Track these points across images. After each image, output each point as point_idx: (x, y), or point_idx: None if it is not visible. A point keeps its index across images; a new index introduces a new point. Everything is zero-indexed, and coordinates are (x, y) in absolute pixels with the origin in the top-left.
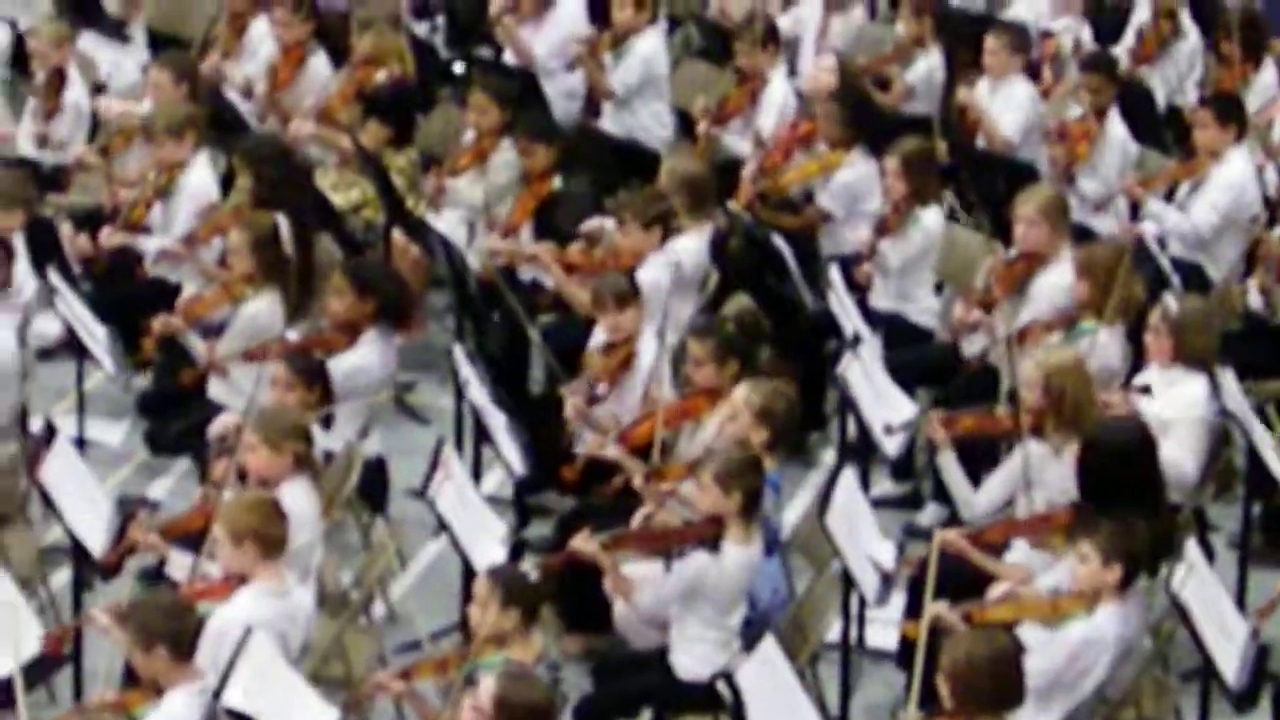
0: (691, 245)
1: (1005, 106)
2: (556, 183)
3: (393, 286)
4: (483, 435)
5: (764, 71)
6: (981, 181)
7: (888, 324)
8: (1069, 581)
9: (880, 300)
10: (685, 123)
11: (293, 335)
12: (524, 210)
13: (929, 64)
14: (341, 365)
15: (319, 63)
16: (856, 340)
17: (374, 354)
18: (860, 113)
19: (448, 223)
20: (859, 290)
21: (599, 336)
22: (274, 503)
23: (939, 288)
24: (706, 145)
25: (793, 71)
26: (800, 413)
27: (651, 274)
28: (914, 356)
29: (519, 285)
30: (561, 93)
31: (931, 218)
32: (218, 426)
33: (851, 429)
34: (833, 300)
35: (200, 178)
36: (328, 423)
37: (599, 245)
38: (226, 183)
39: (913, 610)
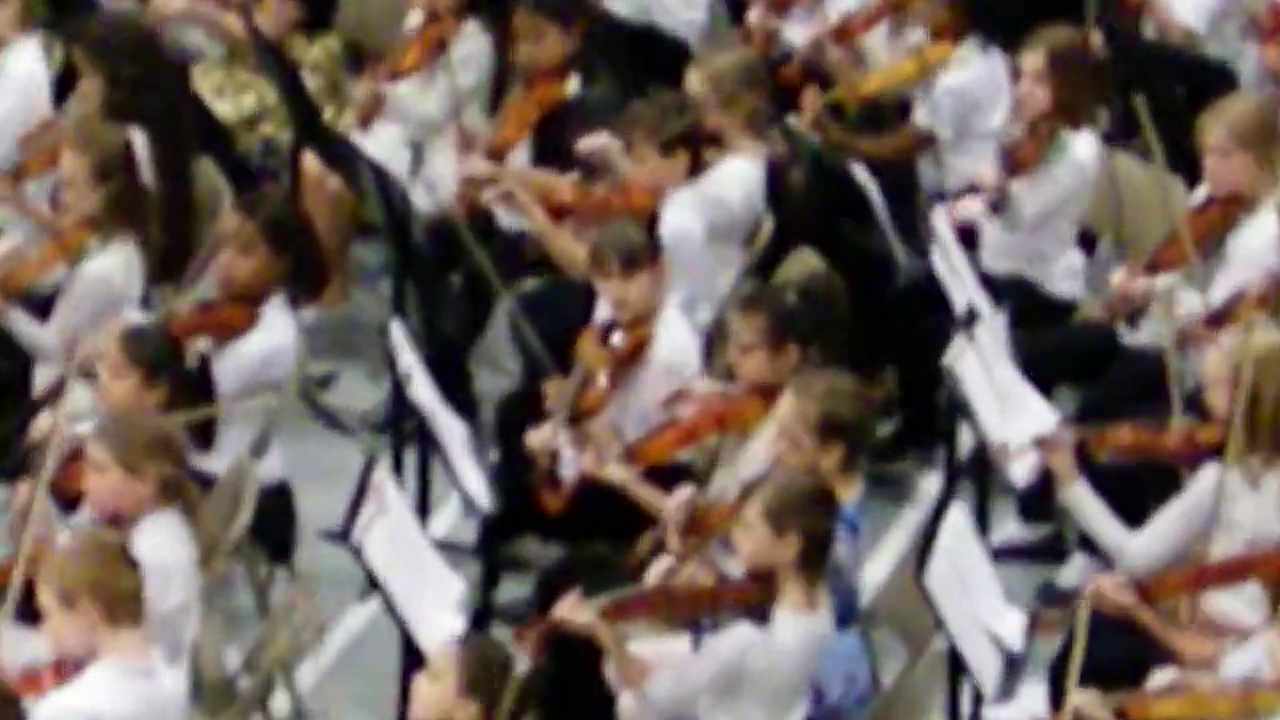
0: (736, 178)
1: None
2: (571, 86)
3: (302, 235)
4: (432, 452)
5: None
6: (1153, 91)
7: (1014, 294)
8: (1269, 664)
9: (1003, 259)
10: (740, 2)
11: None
12: (519, 122)
13: None
14: (245, 353)
15: None
16: (971, 317)
17: (287, 331)
18: None
19: (384, 144)
20: (972, 244)
21: (601, 312)
22: (119, 548)
23: (1086, 242)
24: (759, 36)
25: None
26: (883, 420)
27: (677, 219)
28: (1053, 342)
29: (492, 234)
30: None
31: (1084, 145)
32: (35, 433)
33: (964, 445)
34: (937, 259)
35: (24, 72)
36: (207, 434)
37: (601, 177)
38: (63, 85)
39: (1052, 702)
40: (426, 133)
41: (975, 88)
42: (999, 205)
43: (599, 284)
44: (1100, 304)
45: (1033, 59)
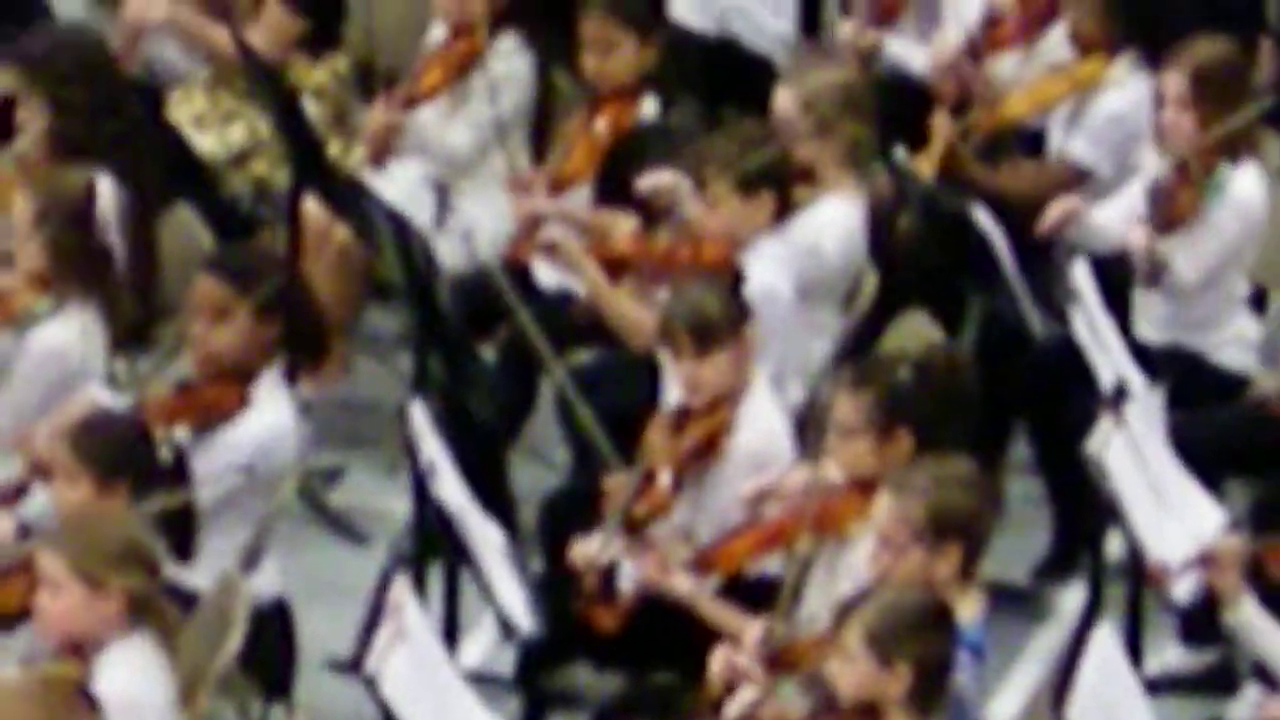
0: (831, 223)
1: None
2: (648, 107)
3: (299, 296)
4: (461, 563)
5: None
6: None
7: (1173, 367)
8: None
9: (1157, 327)
10: (816, 11)
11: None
12: (588, 151)
13: None
14: (233, 443)
15: None
16: (1120, 395)
17: (284, 415)
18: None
19: (403, 185)
20: (1121, 306)
21: (671, 394)
22: (74, 684)
23: (1257, 302)
24: (860, 52)
25: None
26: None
27: (762, 275)
28: (1220, 425)
29: (535, 296)
30: None
31: (1247, 182)
32: None
33: (1112, 552)
34: (1079, 324)
35: None
36: (186, 541)
37: (666, 222)
38: (4, 115)
39: None
40: (454, 171)
41: (1139, 113)
42: (1156, 275)
43: (669, 363)
44: (1276, 377)
45: (1175, 80)
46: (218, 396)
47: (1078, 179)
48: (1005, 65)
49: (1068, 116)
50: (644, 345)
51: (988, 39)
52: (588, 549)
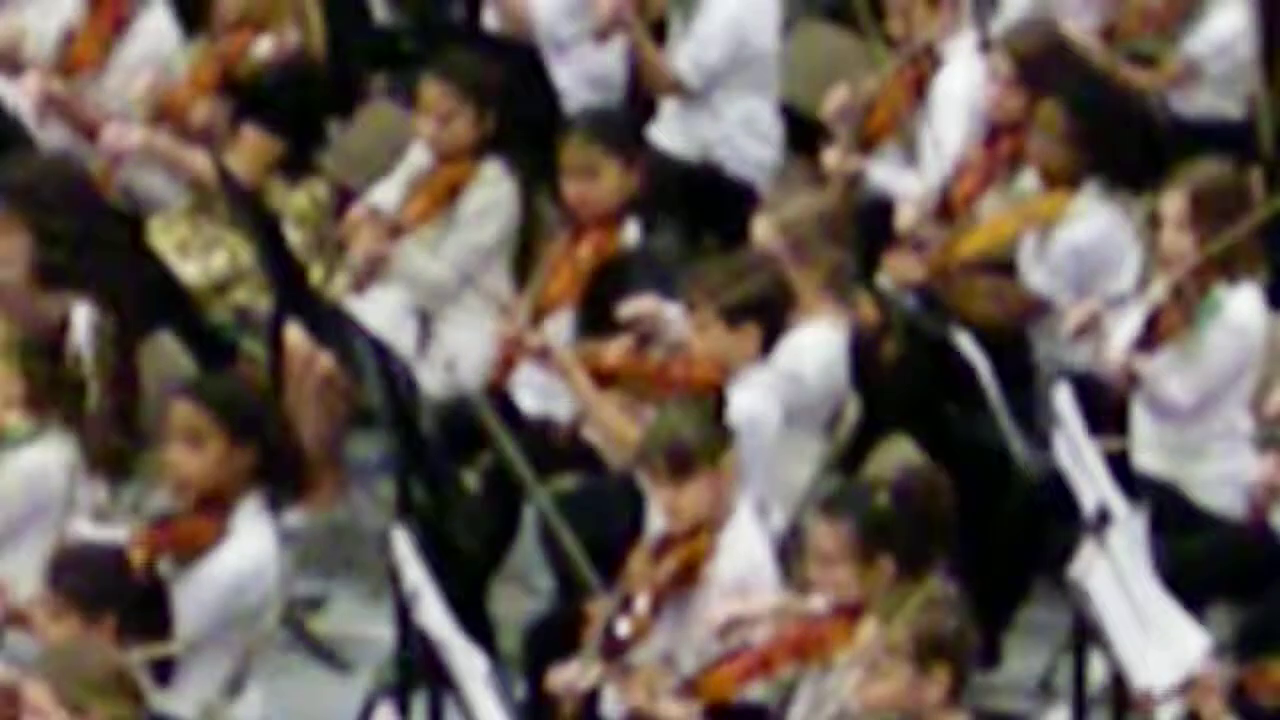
0: (813, 350)
1: None
2: (629, 234)
3: (278, 425)
4: (444, 691)
5: (936, 43)
6: None
7: (1159, 498)
8: None
9: (1149, 456)
10: (802, 134)
11: (118, 523)
12: (570, 277)
13: (1230, 23)
14: (213, 575)
15: (154, 24)
16: (1103, 520)
17: (264, 546)
18: (1100, 118)
19: (385, 312)
20: (1101, 428)
21: (654, 521)
22: None
23: None
24: (844, 178)
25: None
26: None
27: (748, 403)
28: (1204, 550)
29: (518, 422)
30: (583, 78)
31: (1245, 305)
32: None
33: (1095, 677)
34: (1061, 448)
35: None
36: (164, 672)
37: (652, 346)
38: None
39: None
40: (438, 299)
41: (1101, 245)
42: (1132, 390)
43: (649, 489)
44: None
45: (1174, 201)
46: (195, 528)
47: (1038, 308)
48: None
49: (1033, 248)
50: (628, 460)
51: (957, 195)
52: (566, 675)
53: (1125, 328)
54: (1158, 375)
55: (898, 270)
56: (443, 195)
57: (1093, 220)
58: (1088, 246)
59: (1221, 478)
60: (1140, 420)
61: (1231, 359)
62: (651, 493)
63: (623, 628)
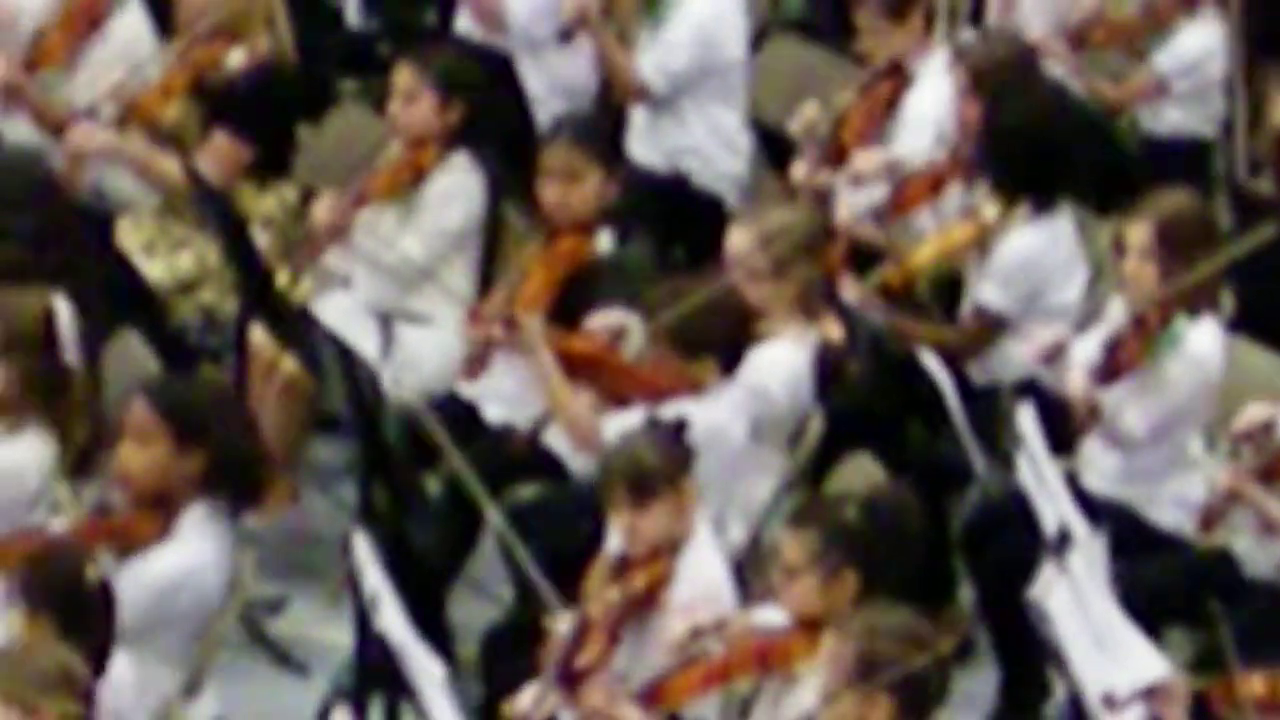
0: (780, 365)
1: None
2: (604, 243)
3: (235, 428)
4: (402, 697)
5: (904, 58)
6: None
7: (1114, 519)
8: None
9: (1102, 478)
10: (772, 146)
11: (66, 516)
12: (545, 281)
13: (1202, 40)
14: (149, 573)
15: (128, 25)
16: (1064, 541)
17: (205, 551)
18: (1028, 135)
19: (348, 315)
20: (1067, 449)
21: (613, 538)
22: None
23: None
24: (811, 193)
25: None
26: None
27: (711, 418)
28: (1163, 572)
29: (481, 431)
30: (552, 84)
31: (1205, 339)
32: None
33: (1055, 700)
34: (1024, 469)
35: None
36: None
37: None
38: None
39: None
40: (402, 287)
41: (1042, 258)
42: (1090, 423)
43: (608, 511)
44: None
45: (1139, 231)
46: (132, 523)
47: (993, 328)
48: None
49: (977, 262)
50: (587, 450)
51: (901, 198)
52: (523, 702)
53: (1083, 355)
54: (1116, 406)
55: (849, 294)
56: (406, 176)
57: (1031, 234)
58: (1034, 257)
59: (1173, 498)
60: (1090, 444)
61: (1189, 391)
62: (612, 516)
63: (581, 659)
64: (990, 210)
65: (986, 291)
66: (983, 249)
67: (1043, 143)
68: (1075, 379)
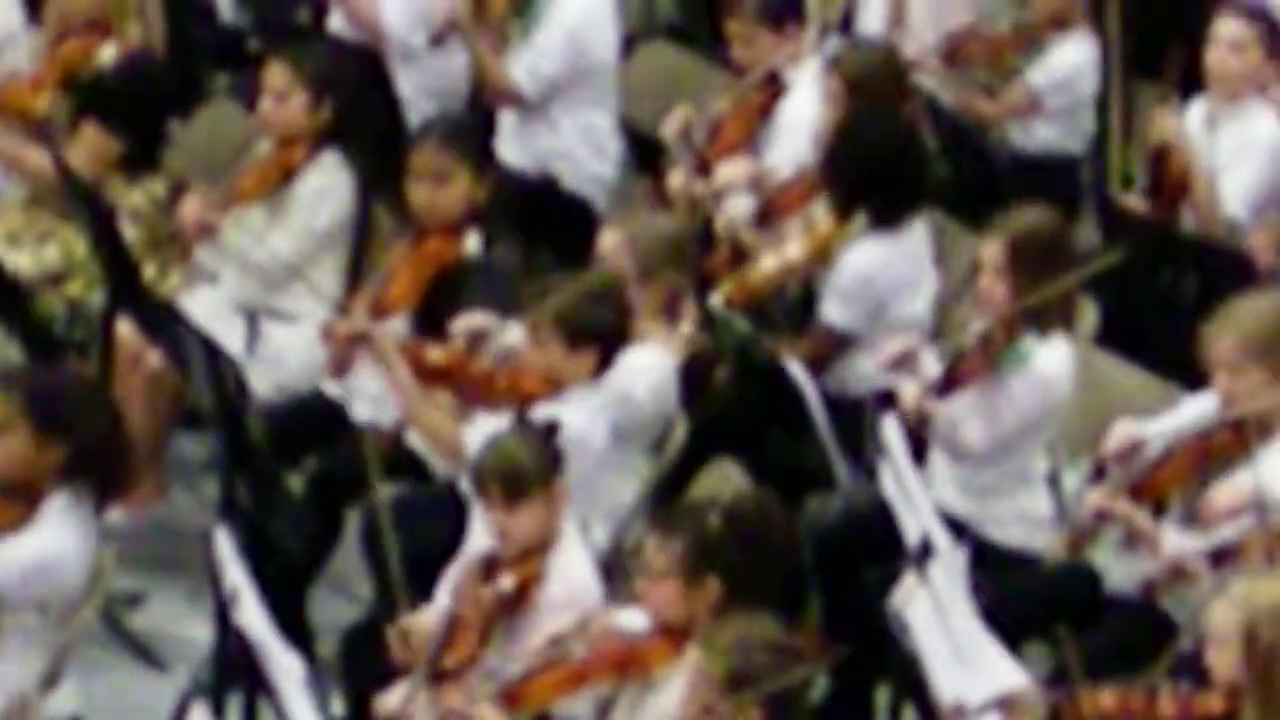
0: (645, 370)
1: (1238, 154)
2: (471, 244)
3: (98, 420)
4: (260, 693)
5: (779, 67)
6: (1156, 285)
7: (960, 535)
8: None
9: (946, 491)
10: (643, 151)
11: None
12: (412, 281)
13: (1074, 57)
14: (10, 558)
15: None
16: (926, 552)
17: (65, 538)
18: (870, 149)
19: (214, 311)
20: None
21: (477, 539)
22: None
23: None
24: (687, 201)
25: None
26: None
27: (576, 423)
28: (1022, 586)
29: (342, 427)
30: (424, 86)
31: (1054, 359)
32: None
33: (908, 713)
34: (887, 479)
35: None
36: None
37: (481, 353)
38: None
39: None
40: (269, 285)
41: (885, 271)
42: (922, 431)
43: (481, 511)
44: (1064, 535)
45: (991, 247)
46: None
47: (840, 343)
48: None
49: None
50: (448, 458)
51: (775, 207)
52: (389, 702)
53: (927, 367)
54: (955, 419)
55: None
56: (275, 175)
57: (870, 248)
58: (874, 271)
59: (1016, 515)
60: (937, 459)
61: (1031, 410)
62: (484, 515)
63: (450, 658)
64: (825, 224)
65: (829, 309)
66: (826, 261)
67: (885, 157)
68: (907, 390)
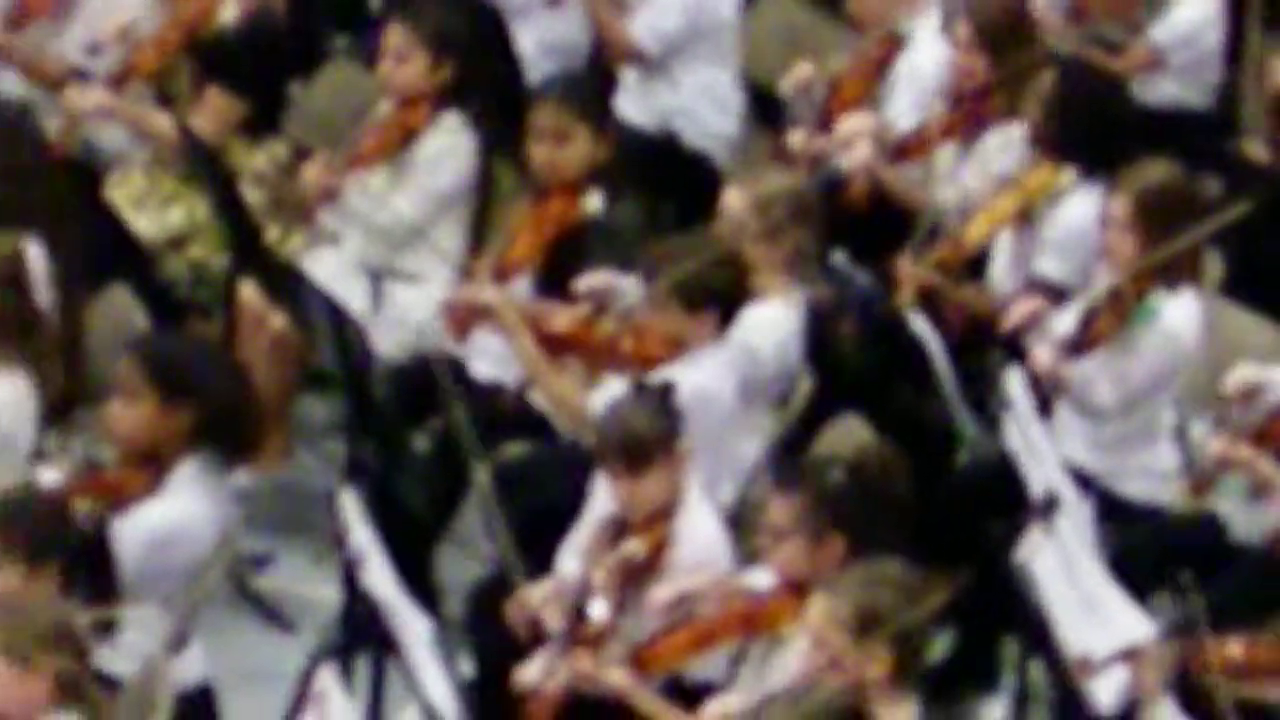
0: (769, 326)
1: None
2: (593, 203)
3: (229, 386)
4: (388, 653)
5: (899, 25)
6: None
7: (1095, 490)
8: None
9: (1074, 446)
10: (764, 107)
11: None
12: (533, 241)
13: (1197, 12)
14: (141, 526)
15: None
16: (1051, 505)
17: (195, 506)
18: (1084, 98)
19: (338, 271)
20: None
21: (600, 503)
22: None
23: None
24: (804, 159)
25: None
26: (940, 631)
27: (701, 380)
28: (1148, 538)
29: (469, 388)
30: (544, 45)
31: (1181, 314)
32: None
33: (1038, 665)
34: (1011, 432)
35: None
36: (108, 622)
37: (605, 314)
38: None
39: None
40: (392, 246)
41: (1094, 226)
42: (1055, 393)
43: (605, 479)
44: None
45: (1119, 203)
46: (122, 479)
47: (1056, 298)
48: (942, 160)
49: (1016, 230)
50: (575, 425)
51: (911, 143)
52: (529, 674)
53: (1062, 326)
54: (1087, 378)
55: (909, 278)
56: (397, 137)
57: (1084, 199)
58: (1088, 226)
59: (1142, 469)
60: (1063, 413)
61: (1161, 365)
62: (610, 485)
63: (586, 631)
64: (1038, 175)
65: (1049, 264)
66: (1024, 218)
67: (1102, 110)
68: (1040, 352)
